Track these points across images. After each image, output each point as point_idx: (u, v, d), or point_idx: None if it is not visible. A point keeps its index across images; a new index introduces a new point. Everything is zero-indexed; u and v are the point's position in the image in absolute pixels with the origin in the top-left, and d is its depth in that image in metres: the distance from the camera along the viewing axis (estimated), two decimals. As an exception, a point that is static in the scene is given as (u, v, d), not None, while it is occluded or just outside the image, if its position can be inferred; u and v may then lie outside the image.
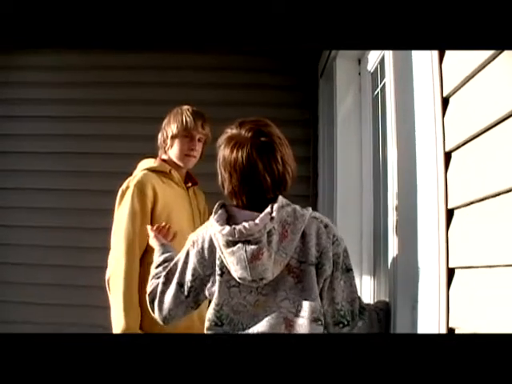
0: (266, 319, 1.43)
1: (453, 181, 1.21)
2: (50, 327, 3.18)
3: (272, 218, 1.40)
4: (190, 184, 2.30)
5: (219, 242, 1.46)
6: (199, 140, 2.23)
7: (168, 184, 2.18)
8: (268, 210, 1.43)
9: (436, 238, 1.24)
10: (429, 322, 1.28)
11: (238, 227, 1.41)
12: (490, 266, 1.03)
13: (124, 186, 2.13)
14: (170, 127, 2.20)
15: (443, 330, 1.20)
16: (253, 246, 1.40)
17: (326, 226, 1.48)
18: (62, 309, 3.29)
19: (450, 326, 1.19)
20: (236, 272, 1.43)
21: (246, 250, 1.40)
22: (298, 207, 1.48)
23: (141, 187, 2.09)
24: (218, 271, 1.48)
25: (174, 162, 2.23)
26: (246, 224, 1.41)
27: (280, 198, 1.46)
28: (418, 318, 1.43)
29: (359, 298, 1.51)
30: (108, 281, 2.06)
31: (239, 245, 1.41)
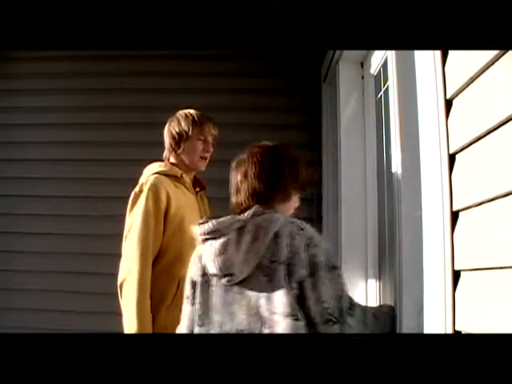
0: (244, 317, 1.48)
1: (457, 183, 1.20)
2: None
3: (239, 220, 1.51)
4: (198, 189, 2.30)
5: (199, 243, 1.59)
6: (211, 142, 2.24)
7: (180, 189, 2.16)
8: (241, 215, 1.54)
9: (441, 241, 1.24)
10: (435, 325, 1.27)
11: (206, 224, 1.55)
12: (496, 268, 1.02)
13: (137, 190, 2.10)
14: (183, 130, 2.19)
15: (449, 333, 1.20)
16: (221, 240, 1.51)
17: (301, 229, 1.50)
18: (70, 315, 3.29)
19: (456, 328, 1.18)
20: (209, 268, 1.55)
21: (214, 245, 1.52)
22: (277, 215, 1.53)
23: (155, 190, 2.06)
24: (200, 271, 1.60)
25: (185, 166, 2.22)
26: (214, 220, 1.54)
27: (256, 206, 1.54)
28: (423, 321, 1.43)
29: (350, 297, 1.51)
30: (121, 285, 2.01)
31: (210, 241, 1.54)
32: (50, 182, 3.49)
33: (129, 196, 2.12)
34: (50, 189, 3.48)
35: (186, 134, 2.19)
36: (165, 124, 2.29)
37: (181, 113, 2.26)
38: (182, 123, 2.21)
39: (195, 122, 2.20)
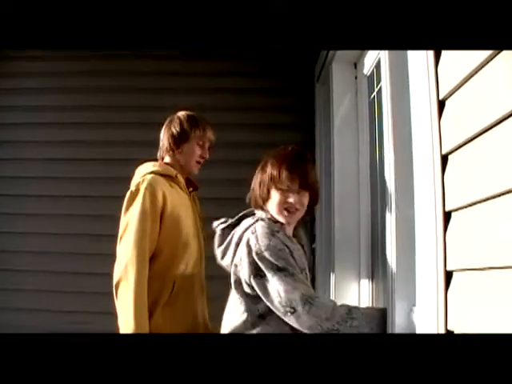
0: (226, 312, 1.79)
1: (450, 183, 1.21)
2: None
3: (225, 223, 1.84)
4: (191, 189, 2.28)
5: None
6: (208, 147, 2.23)
7: (175, 189, 2.14)
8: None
9: (434, 241, 1.24)
10: (427, 325, 1.28)
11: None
12: (488, 268, 1.03)
13: (133, 189, 2.06)
14: (184, 131, 2.17)
15: (442, 333, 1.20)
16: (216, 242, 1.86)
17: (252, 233, 1.69)
18: (68, 315, 3.29)
19: (449, 328, 1.19)
20: None
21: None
22: (248, 219, 1.78)
23: (152, 190, 2.03)
24: None
25: (180, 167, 2.20)
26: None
27: (242, 213, 1.84)
28: (416, 321, 1.43)
29: (308, 292, 1.60)
30: (117, 285, 1.97)
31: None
32: (47, 181, 3.48)
33: (124, 196, 2.10)
34: (46, 188, 3.47)
35: (187, 135, 2.17)
36: (159, 124, 2.27)
37: (183, 114, 2.23)
38: (184, 124, 2.18)
39: (197, 126, 2.18)
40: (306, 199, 1.75)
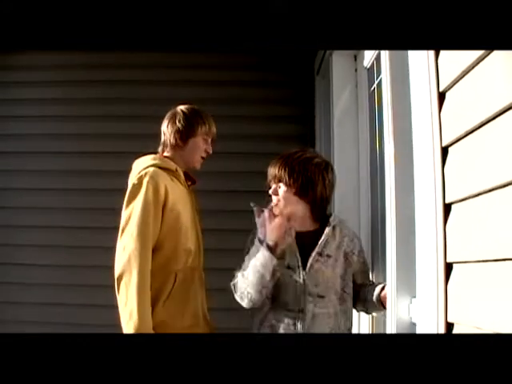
0: None
1: (450, 176, 1.21)
2: (57, 327, 3.19)
3: None
4: (189, 183, 2.28)
5: None
6: (211, 142, 2.22)
7: (175, 183, 2.12)
8: None
9: (434, 233, 1.25)
10: (427, 317, 1.28)
11: None
12: (488, 261, 1.03)
13: (136, 182, 2.03)
14: (191, 126, 2.15)
15: (442, 325, 1.21)
16: None
17: None
18: (71, 309, 3.31)
19: (449, 320, 1.19)
20: None
21: None
22: None
23: (154, 184, 2.01)
24: None
25: (182, 162, 2.17)
26: None
27: None
28: (416, 313, 1.44)
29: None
30: (119, 277, 1.95)
31: None
32: (47, 174, 3.49)
33: (123, 189, 2.09)
34: (46, 181, 3.48)
35: (194, 131, 2.14)
36: (157, 117, 2.25)
37: (187, 107, 2.20)
38: (190, 119, 2.15)
39: (203, 121, 2.15)
40: (282, 193, 1.95)
